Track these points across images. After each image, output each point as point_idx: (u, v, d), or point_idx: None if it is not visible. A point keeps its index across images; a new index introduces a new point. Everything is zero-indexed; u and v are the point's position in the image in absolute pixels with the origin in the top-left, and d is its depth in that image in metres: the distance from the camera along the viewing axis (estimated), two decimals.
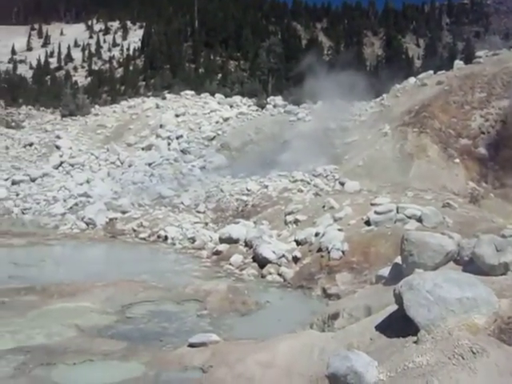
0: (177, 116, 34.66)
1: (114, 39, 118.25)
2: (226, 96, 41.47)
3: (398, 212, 13.99)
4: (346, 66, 29.86)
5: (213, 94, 41.05)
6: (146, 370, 6.91)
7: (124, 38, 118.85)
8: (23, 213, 23.55)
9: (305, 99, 35.01)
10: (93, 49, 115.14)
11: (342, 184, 21.07)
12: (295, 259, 13.99)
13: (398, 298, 5.03)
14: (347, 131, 26.61)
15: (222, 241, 16.63)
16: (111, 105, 44.36)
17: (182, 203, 22.52)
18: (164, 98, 39.84)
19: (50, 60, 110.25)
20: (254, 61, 77.45)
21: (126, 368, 7.04)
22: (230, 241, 16.31)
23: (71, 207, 22.91)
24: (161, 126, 33.13)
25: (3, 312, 9.27)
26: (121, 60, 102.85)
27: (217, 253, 16.15)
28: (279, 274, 13.60)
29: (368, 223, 14.14)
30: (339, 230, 14.12)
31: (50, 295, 10.44)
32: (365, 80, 29.79)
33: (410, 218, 13.70)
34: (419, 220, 13.52)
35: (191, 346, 7.36)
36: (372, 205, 15.24)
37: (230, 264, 14.81)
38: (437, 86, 25.52)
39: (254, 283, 13.20)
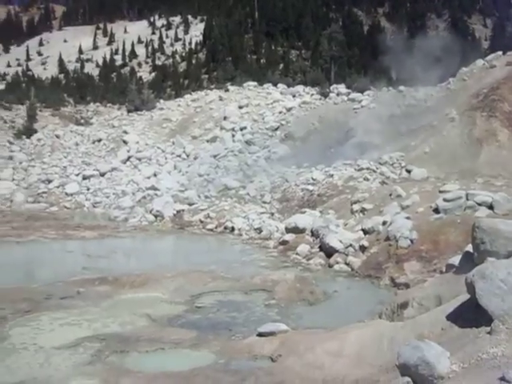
0: (240, 107, 34.82)
1: (175, 34, 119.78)
2: (289, 86, 41.29)
3: (467, 199, 13.59)
4: (410, 51, 29.15)
5: (275, 85, 40.97)
6: (216, 358, 7.01)
7: (186, 32, 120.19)
8: (94, 206, 24.38)
9: (369, 86, 34.44)
10: (156, 44, 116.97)
11: (409, 171, 20.67)
12: (362, 248, 13.84)
13: (470, 288, 4.89)
14: (413, 117, 26.01)
15: (288, 231, 16.64)
16: (175, 99, 44.98)
17: (248, 194, 22.67)
18: (227, 90, 40.09)
19: (115, 57, 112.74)
20: (315, 49, 76.75)
21: (197, 356, 7.16)
22: (297, 231, 16.29)
23: (139, 200, 23.49)
24: (225, 118, 33.38)
25: (79, 301, 9.62)
26: (183, 54, 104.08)
27: (283, 243, 16.17)
28: (346, 264, 13.50)
29: (437, 211, 13.81)
30: (407, 218, 13.86)
31: (121, 285, 10.75)
32: (430, 64, 29.02)
33: (480, 204, 13.29)
34: (490, 207, 13.10)
35: (260, 335, 7.41)
36: (440, 192, 14.87)
37: (297, 254, 14.81)
38: (506, 68, 24.58)
39: (322, 273, 13.16)
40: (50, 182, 27.62)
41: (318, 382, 6.09)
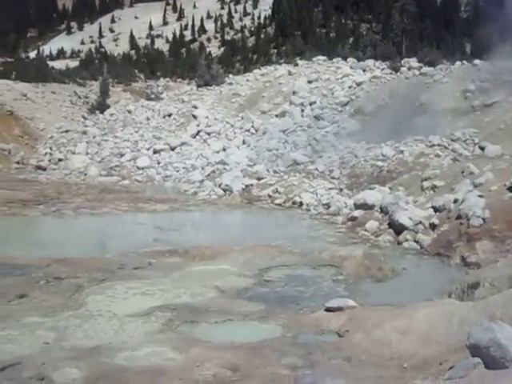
0: (309, 82, 34.51)
1: (244, 9, 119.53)
2: (359, 60, 40.55)
3: None
4: (487, 23, 27.95)
5: (345, 59, 40.33)
6: (283, 331, 7.10)
7: (254, 6, 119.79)
8: (164, 180, 24.93)
9: (441, 60, 33.37)
10: (225, 19, 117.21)
11: (482, 148, 20.01)
12: (432, 226, 13.58)
13: None
14: (487, 93, 25.06)
15: (356, 207, 16.52)
16: (244, 73, 45.03)
17: (317, 169, 22.56)
18: (296, 65, 39.79)
19: (185, 33, 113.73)
20: (386, 22, 75.00)
21: (265, 329, 7.27)
22: (365, 207, 16.15)
23: (209, 174, 23.82)
24: (294, 93, 33.18)
25: (151, 272, 9.92)
26: (252, 29, 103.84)
27: (352, 219, 16.07)
28: (416, 241, 13.30)
29: (511, 189, 13.36)
30: (479, 196, 13.47)
31: (191, 258, 11.00)
32: (508, 36, 27.79)
33: None
34: None
35: (328, 310, 7.45)
36: None
37: (366, 230, 14.70)
38: None
39: (390, 250, 13.03)
40: (122, 155, 28.39)
41: (386, 358, 6.09)
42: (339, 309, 7.39)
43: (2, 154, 29.55)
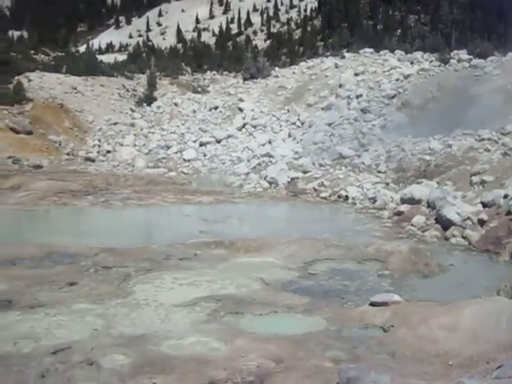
0: (356, 75, 34.19)
1: (290, 1, 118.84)
2: (407, 52, 39.94)
3: None
4: None
5: (392, 51, 39.77)
6: (327, 325, 7.10)
7: None
8: (210, 172, 25.15)
9: (493, 52, 32.54)
10: (271, 12, 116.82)
11: None
12: (481, 222, 13.31)
13: None
14: None
15: (403, 201, 16.33)
16: (290, 66, 44.85)
17: (363, 163, 22.37)
18: (342, 57, 39.46)
19: (231, 26, 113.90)
20: (435, 13, 73.41)
21: (309, 322, 7.28)
22: (412, 201, 15.94)
23: (254, 167, 23.90)
24: (340, 86, 32.93)
25: (197, 263, 10.05)
26: (298, 21, 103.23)
27: (398, 213, 15.89)
28: (464, 237, 13.06)
29: None
30: None
31: (237, 249, 11.08)
32: None
33: None
34: None
35: (372, 304, 7.42)
36: None
37: (412, 225, 14.51)
38: None
39: (437, 245, 12.83)
40: (168, 148, 28.76)
41: (431, 355, 6.04)
42: (384, 304, 7.35)
43: (52, 146, 30.28)
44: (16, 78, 37.66)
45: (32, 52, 54.16)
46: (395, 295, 7.63)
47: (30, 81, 37.93)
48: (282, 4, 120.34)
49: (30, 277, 8.92)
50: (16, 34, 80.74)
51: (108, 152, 29.92)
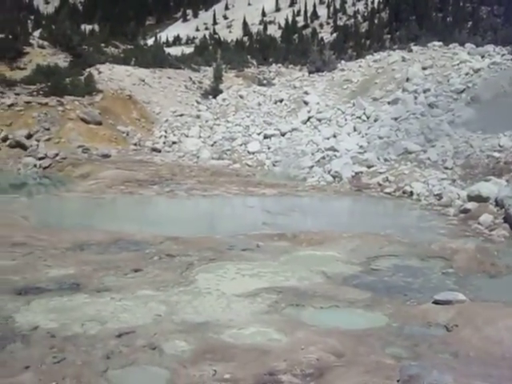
0: (424, 69, 33.42)
1: None
2: (477, 45, 38.69)
3: None
4: None
5: (462, 44, 38.63)
6: (389, 321, 7.02)
7: None
8: (274, 165, 25.19)
9: None
10: (337, 5, 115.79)
11: None
12: None
13: None
14: None
15: (470, 199, 15.88)
16: (357, 59, 44.32)
17: (429, 159, 21.88)
18: (410, 51, 38.65)
19: (297, 19, 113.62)
20: (509, 5, 70.80)
21: (370, 317, 7.22)
22: (479, 199, 15.48)
23: (318, 161, 23.77)
24: (407, 80, 32.28)
25: (259, 254, 10.12)
26: (365, 14, 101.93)
27: (464, 211, 15.47)
28: None
29: None
30: None
31: (299, 242, 11.09)
32: None
33: None
34: None
35: (436, 302, 7.28)
36: None
37: (479, 223, 14.08)
38: None
39: (505, 245, 12.40)
40: (233, 140, 28.97)
41: (496, 357, 5.87)
42: (448, 302, 7.21)
43: (121, 136, 31.03)
44: (87, 70, 38.81)
45: (103, 45, 55.67)
46: (460, 294, 7.46)
47: (100, 73, 38.97)
48: None
49: (97, 262, 9.22)
50: (88, 27, 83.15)
51: (174, 143, 30.42)
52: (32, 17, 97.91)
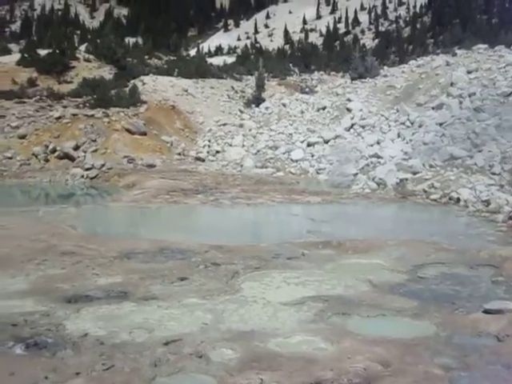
0: (468, 72, 32.83)
1: None
2: None
3: None
4: None
5: (509, 46, 37.83)
6: (437, 330, 6.90)
7: None
8: (318, 173, 25.14)
9: None
10: (379, 10, 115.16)
11: None
12: None
13: None
14: None
15: None
16: (399, 65, 44.00)
17: (475, 164, 21.48)
18: (454, 55, 38.09)
19: (338, 26, 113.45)
20: None
21: (417, 326, 7.12)
22: None
23: (362, 168, 23.61)
24: (451, 84, 31.77)
25: (304, 262, 10.09)
26: (407, 19, 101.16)
27: None
28: None
29: None
30: None
31: (344, 250, 11.01)
32: None
33: None
34: None
35: (486, 312, 7.14)
36: None
37: None
38: None
39: None
40: (276, 148, 29.02)
41: None
42: (499, 311, 7.05)
43: (165, 146, 31.45)
44: (131, 81, 39.55)
45: (146, 57, 56.69)
46: (511, 303, 7.29)
47: (144, 84, 39.66)
48: (390, 2, 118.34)
49: (143, 270, 9.35)
50: (131, 40, 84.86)
51: (217, 152, 30.67)
52: (78, 31, 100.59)
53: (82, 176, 25.65)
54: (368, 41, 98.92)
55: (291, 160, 27.37)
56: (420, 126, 28.18)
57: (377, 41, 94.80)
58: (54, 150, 28.72)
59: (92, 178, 25.48)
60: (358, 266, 9.98)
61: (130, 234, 13.46)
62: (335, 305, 7.70)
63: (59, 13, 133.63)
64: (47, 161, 28.26)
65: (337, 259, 10.36)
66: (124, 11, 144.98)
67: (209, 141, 32.55)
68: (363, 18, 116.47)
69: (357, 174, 22.98)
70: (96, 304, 7.61)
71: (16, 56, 49.48)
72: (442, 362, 5.90)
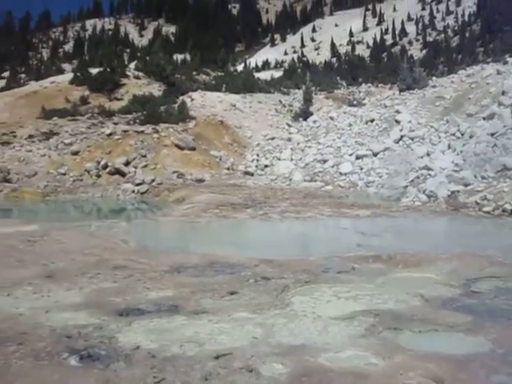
0: None
1: (447, 7, 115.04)
2: None
3: None
4: None
5: None
6: (493, 346, 6.70)
7: (458, 4, 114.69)
8: (367, 186, 24.97)
9: None
10: (426, 20, 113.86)
11: None
12: None
13: None
14: None
15: None
16: (448, 75, 43.40)
17: None
18: (505, 63, 37.40)
19: (385, 37, 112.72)
20: None
21: (471, 342, 6.92)
22: None
23: (412, 180, 23.32)
24: (503, 93, 31.10)
25: (354, 277, 9.98)
26: (456, 28, 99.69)
27: None
28: None
29: None
30: None
31: (395, 264, 10.85)
32: None
33: None
34: None
35: None
36: None
37: None
38: None
39: None
40: (325, 161, 29.00)
41: None
42: None
43: (214, 161, 31.82)
44: (180, 97, 40.22)
45: (194, 73, 57.60)
46: None
47: (192, 100, 40.29)
48: (437, 11, 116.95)
49: (194, 284, 9.43)
50: (180, 57, 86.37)
51: (266, 166, 30.84)
52: (128, 50, 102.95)
53: (133, 191, 26.18)
54: (416, 51, 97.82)
55: (340, 173, 27.29)
56: (471, 137, 27.66)
57: (425, 51, 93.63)
58: (105, 166, 29.42)
59: (142, 193, 25.99)
60: (409, 280, 9.81)
61: (180, 248, 13.60)
62: (386, 319, 7.58)
63: (109, 32, 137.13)
64: (99, 176, 28.99)
65: (387, 273, 10.22)
66: (172, 29, 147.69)
67: (257, 155, 32.78)
68: (410, 28, 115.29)
69: (407, 186, 22.70)
70: (147, 317, 7.70)
71: (69, 75, 51.14)
72: (499, 381, 5.72)
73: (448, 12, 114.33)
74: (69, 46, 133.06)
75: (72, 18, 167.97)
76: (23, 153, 31.58)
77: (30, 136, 34.58)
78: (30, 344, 6.54)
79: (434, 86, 38.12)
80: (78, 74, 48.43)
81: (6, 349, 6.39)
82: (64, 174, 29.39)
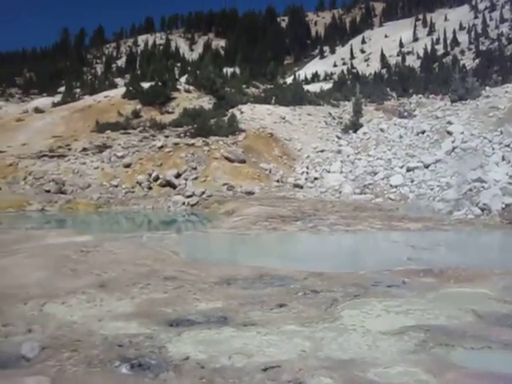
0: None
1: (501, 15, 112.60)
2: None
3: None
4: None
5: None
6: None
7: None
8: (418, 198, 24.56)
9: None
10: (479, 29, 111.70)
11: None
12: None
13: None
14: None
15: None
16: (503, 85, 42.45)
17: None
18: None
19: (436, 47, 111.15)
20: None
21: None
22: None
23: (465, 193, 22.81)
24: None
25: (404, 291, 9.83)
26: (510, 36, 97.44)
27: None
28: None
29: None
30: None
31: (446, 279, 10.64)
32: None
33: None
34: None
35: None
36: None
37: None
38: None
39: None
40: (375, 174, 28.70)
41: None
42: None
43: (263, 174, 31.91)
44: (230, 110, 40.61)
45: (244, 86, 58.05)
46: None
47: (242, 113, 40.60)
48: (491, 19, 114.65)
49: (243, 296, 9.47)
50: (229, 70, 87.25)
51: (315, 179, 30.74)
52: (178, 64, 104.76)
53: (183, 203, 26.51)
54: (468, 61, 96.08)
55: (390, 186, 26.96)
56: None
57: (477, 61, 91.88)
58: (156, 178, 29.92)
59: (193, 205, 26.29)
60: (462, 295, 9.60)
61: (229, 260, 13.70)
62: (437, 335, 7.44)
63: (161, 47, 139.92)
64: (150, 188, 29.49)
65: (438, 288, 10.02)
66: (222, 42, 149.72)
67: (307, 167, 32.72)
68: (462, 37, 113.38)
69: (459, 199, 22.23)
70: (197, 328, 7.78)
71: (122, 90, 52.35)
72: None
73: (502, 20, 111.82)
74: (121, 61, 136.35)
75: (124, 33, 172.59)
76: (77, 165, 32.44)
77: (84, 149, 35.55)
78: (83, 351, 6.72)
79: (488, 96, 37.34)
80: (131, 89, 49.52)
81: (60, 355, 6.59)
82: (116, 186, 30.01)
